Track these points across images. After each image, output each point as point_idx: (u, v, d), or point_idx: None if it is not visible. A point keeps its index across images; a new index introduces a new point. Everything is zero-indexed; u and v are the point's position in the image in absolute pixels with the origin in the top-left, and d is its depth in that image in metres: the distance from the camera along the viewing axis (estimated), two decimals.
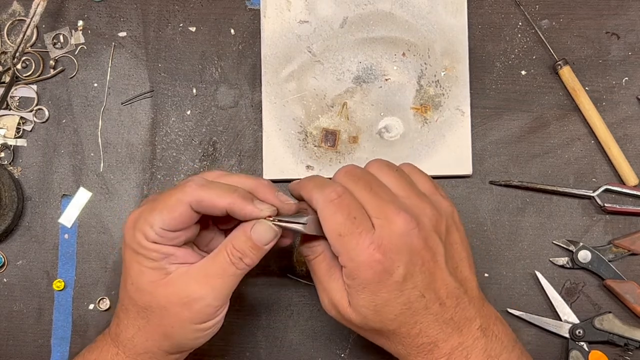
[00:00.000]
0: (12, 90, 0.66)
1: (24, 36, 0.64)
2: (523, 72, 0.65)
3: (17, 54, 0.65)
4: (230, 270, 0.50)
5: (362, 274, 0.47)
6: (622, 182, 0.63)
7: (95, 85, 0.67)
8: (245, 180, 0.51)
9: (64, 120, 0.66)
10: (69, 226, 0.65)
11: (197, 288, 0.49)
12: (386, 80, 0.64)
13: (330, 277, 0.51)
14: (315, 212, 0.49)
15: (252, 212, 0.49)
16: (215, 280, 0.50)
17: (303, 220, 0.50)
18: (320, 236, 0.50)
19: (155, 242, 0.49)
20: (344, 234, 0.47)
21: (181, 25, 0.67)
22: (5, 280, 0.65)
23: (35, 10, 0.64)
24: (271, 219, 0.49)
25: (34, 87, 0.67)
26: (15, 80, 0.66)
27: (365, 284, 0.47)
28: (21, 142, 0.66)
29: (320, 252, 0.52)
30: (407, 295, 0.48)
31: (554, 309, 0.62)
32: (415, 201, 0.49)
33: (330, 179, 0.52)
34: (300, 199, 0.52)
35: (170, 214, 0.48)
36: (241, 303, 0.64)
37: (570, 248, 0.63)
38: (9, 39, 0.67)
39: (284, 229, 0.50)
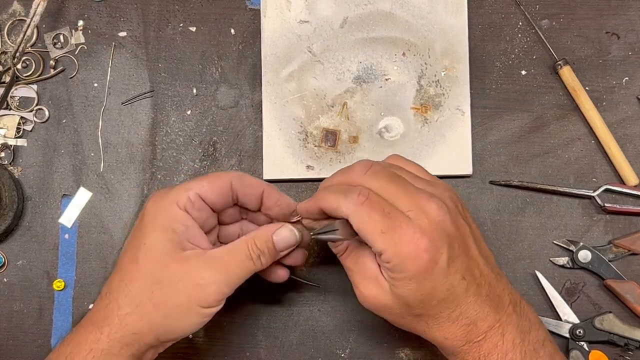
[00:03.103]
0: (12, 90, 0.66)
1: (24, 36, 0.64)
2: (523, 72, 0.65)
3: (17, 54, 0.65)
4: (247, 264, 0.51)
5: (409, 266, 0.47)
6: (622, 182, 0.63)
7: (96, 85, 0.67)
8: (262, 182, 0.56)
9: (64, 120, 0.66)
10: (69, 226, 0.65)
11: (213, 273, 0.50)
12: (386, 80, 0.64)
13: (363, 270, 0.51)
14: (339, 218, 0.50)
15: (285, 200, 0.54)
16: (233, 270, 0.51)
17: (335, 227, 0.50)
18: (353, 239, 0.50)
19: (185, 210, 0.51)
20: (385, 230, 0.47)
21: (181, 25, 0.67)
22: (5, 280, 0.65)
23: (36, 10, 0.64)
24: (311, 233, 0.52)
25: (34, 87, 0.67)
26: (15, 80, 0.66)
27: (413, 276, 0.47)
28: (21, 142, 0.66)
29: (345, 249, 0.52)
30: (451, 280, 0.48)
31: (554, 308, 0.62)
32: (432, 189, 0.50)
33: (335, 175, 0.52)
34: (319, 216, 0.52)
35: (211, 183, 0.52)
36: (241, 303, 0.64)
37: (570, 248, 0.63)
38: (9, 39, 0.67)
39: (322, 241, 0.52)
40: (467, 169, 0.63)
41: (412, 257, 0.47)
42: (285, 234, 0.53)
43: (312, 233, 0.51)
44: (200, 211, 0.52)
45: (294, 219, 0.54)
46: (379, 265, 0.50)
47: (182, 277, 0.50)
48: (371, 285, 0.50)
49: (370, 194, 0.48)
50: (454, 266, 0.48)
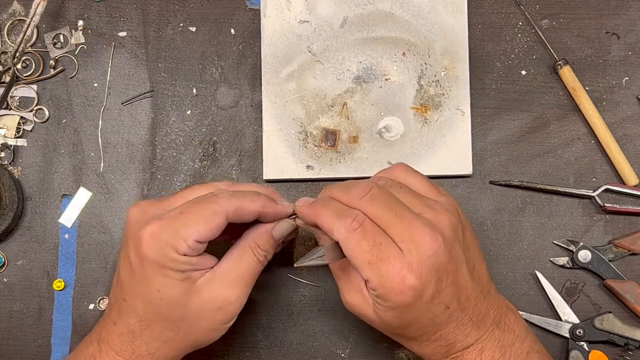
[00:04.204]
0: (12, 90, 0.66)
1: (24, 36, 0.64)
2: (523, 72, 0.65)
3: (17, 54, 0.65)
4: (257, 268, 0.53)
5: (393, 298, 0.47)
6: (622, 182, 0.63)
7: (95, 85, 0.67)
8: (257, 187, 0.54)
9: (64, 120, 0.66)
10: (69, 226, 0.65)
11: (232, 291, 0.51)
12: (386, 80, 0.64)
13: (349, 280, 0.51)
14: (331, 239, 0.49)
15: (282, 210, 0.53)
16: (247, 280, 0.52)
17: (320, 252, 0.50)
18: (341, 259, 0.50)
19: (186, 255, 0.49)
20: (373, 261, 0.47)
21: (181, 25, 0.67)
22: (5, 280, 0.65)
23: (35, 10, 0.64)
24: (299, 265, 0.50)
25: (34, 87, 0.67)
26: (15, 80, 0.66)
27: (395, 306, 0.47)
28: (21, 142, 0.66)
29: (336, 265, 0.52)
30: (434, 310, 0.48)
31: (554, 308, 0.62)
32: (432, 213, 0.49)
33: (337, 185, 0.51)
34: (313, 225, 0.51)
35: (208, 225, 0.49)
36: None
37: (570, 248, 0.63)
38: (9, 39, 0.67)
39: (307, 267, 0.51)
40: (467, 169, 0.63)
41: (397, 291, 0.46)
42: (284, 228, 0.54)
43: (295, 264, 0.51)
44: (201, 249, 0.50)
45: (291, 217, 0.54)
46: (365, 281, 0.49)
47: (203, 307, 0.51)
48: (356, 295, 0.51)
49: (364, 222, 0.48)
50: (439, 298, 0.48)
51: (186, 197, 0.52)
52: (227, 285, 0.51)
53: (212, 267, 0.51)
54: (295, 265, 0.51)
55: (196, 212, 0.49)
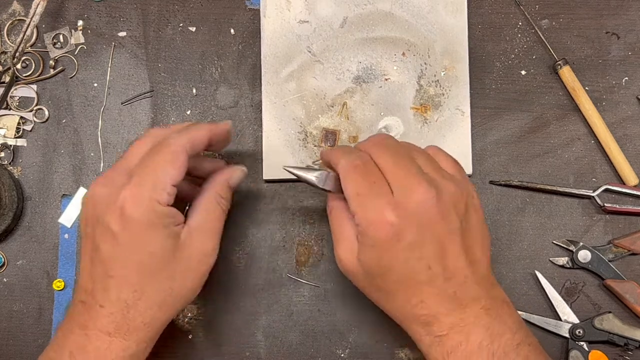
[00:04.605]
0: (12, 90, 0.66)
1: (24, 36, 0.64)
2: (523, 72, 0.65)
3: (17, 54, 0.65)
4: (223, 217, 0.55)
5: (373, 233, 0.48)
6: (622, 182, 0.63)
7: (95, 85, 0.67)
8: (185, 123, 0.56)
9: (64, 120, 0.66)
10: (69, 226, 0.65)
11: (209, 242, 0.53)
12: (386, 80, 0.64)
13: (342, 231, 0.52)
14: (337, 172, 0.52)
15: (224, 127, 0.55)
16: (219, 230, 0.54)
17: (316, 174, 0.53)
18: (335, 192, 0.53)
19: (168, 205, 0.50)
20: (361, 193, 0.49)
21: (181, 25, 0.67)
22: (5, 280, 0.65)
23: (35, 10, 0.64)
24: (289, 167, 0.54)
25: (34, 87, 0.67)
26: (15, 80, 0.66)
27: (374, 243, 0.48)
28: (21, 142, 0.66)
29: (335, 207, 0.54)
30: (412, 264, 0.48)
31: (554, 308, 0.62)
32: (438, 177, 0.50)
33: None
34: (328, 165, 0.54)
35: (176, 166, 0.50)
36: (241, 303, 0.64)
37: (570, 248, 0.63)
38: (9, 39, 0.67)
39: (300, 179, 0.54)
40: (467, 169, 0.63)
41: (377, 225, 0.48)
42: (238, 176, 0.57)
43: (285, 167, 0.54)
44: (173, 196, 0.51)
45: (317, 162, 0.59)
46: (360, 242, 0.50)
47: (190, 261, 0.51)
48: (346, 247, 0.51)
49: (367, 162, 0.50)
50: (420, 251, 0.48)
51: (136, 153, 0.52)
52: (204, 237, 0.52)
53: (185, 222, 0.52)
54: (284, 167, 0.54)
55: (160, 159, 0.50)
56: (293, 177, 0.63)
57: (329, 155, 0.54)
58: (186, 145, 0.51)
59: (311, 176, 0.54)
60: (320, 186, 0.53)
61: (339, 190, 0.52)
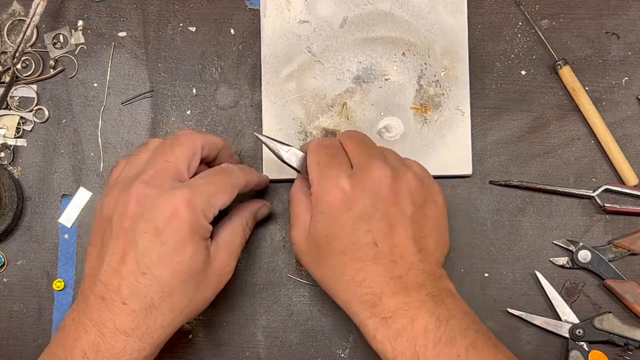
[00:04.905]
0: (12, 90, 0.66)
1: (24, 36, 0.64)
2: (523, 72, 0.65)
3: (17, 54, 0.65)
4: (243, 241, 0.58)
5: (324, 198, 0.51)
6: (622, 182, 0.63)
7: (95, 85, 0.67)
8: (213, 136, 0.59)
9: (64, 120, 0.66)
10: (69, 226, 0.65)
11: (230, 261, 0.55)
12: (386, 80, 0.64)
13: (299, 212, 0.55)
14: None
15: (265, 179, 0.62)
16: (239, 252, 0.56)
17: (286, 149, 0.56)
18: (303, 174, 0.56)
19: (209, 223, 0.52)
20: (322, 163, 0.52)
21: (181, 25, 0.67)
22: (5, 280, 0.65)
23: (35, 10, 0.64)
24: (259, 135, 0.57)
25: (34, 87, 0.67)
26: (15, 80, 0.66)
27: (325, 209, 0.50)
28: (21, 142, 0.66)
29: (296, 192, 0.57)
30: (359, 236, 0.49)
31: (554, 309, 0.62)
32: (399, 166, 0.53)
33: None
34: (304, 152, 0.57)
35: (230, 196, 0.54)
36: (241, 303, 0.64)
37: (570, 248, 0.63)
38: (9, 39, 0.67)
39: (267, 147, 0.57)
40: (467, 169, 0.63)
41: (330, 191, 0.50)
42: (265, 212, 0.63)
43: (257, 134, 0.58)
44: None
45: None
46: (313, 211, 0.53)
47: (213, 274, 0.53)
48: (300, 228, 0.54)
49: (334, 142, 0.55)
50: (368, 224, 0.49)
51: (181, 160, 0.53)
52: (228, 256, 0.55)
53: (211, 237, 0.54)
54: (255, 133, 0.59)
55: (222, 183, 0.53)
56: (293, 177, 0.63)
57: (306, 145, 0.57)
58: (242, 184, 0.55)
59: (280, 149, 0.57)
60: (286, 161, 0.56)
61: (304, 168, 0.55)
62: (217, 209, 0.52)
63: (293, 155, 0.56)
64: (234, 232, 0.56)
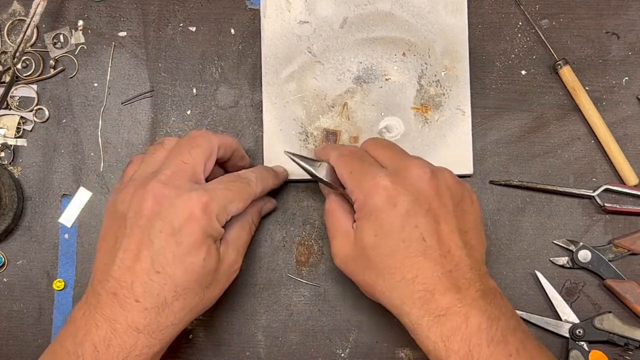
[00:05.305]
0: (12, 90, 0.66)
1: (24, 36, 0.64)
2: (523, 72, 0.65)
3: (17, 54, 0.65)
4: (250, 239, 0.59)
5: (370, 200, 0.50)
6: (622, 182, 0.63)
7: (95, 85, 0.67)
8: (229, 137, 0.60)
9: (64, 120, 0.66)
10: (69, 226, 0.65)
11: (238, 258, 0.56)
12: (386, 80, 0.64)
13: (338, 226, 0.55)
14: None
15: (284, 178, 0.63)
16: (245, 249, 0.58)
17: (317, 164, 0.56)
18: (336, 186, 0.55)
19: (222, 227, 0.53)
20: (354, 170, 0.53)
21: (181, 25, 0.67)
22: (5, 280, 0.65)
23: (35, 10, 0.64)
24: (290, 153, 0.57)
25: (34, 86, 0.67)
26: (15, 80, 0.66)
27: (372, 211, 0.50)
28: (21, 142, 0.66)
29: (331, 206, 0.56)
30: (408, 232, 0.49)
31: (554, 308, 0.62)
32: (435, 166, 0.53)
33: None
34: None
35: (244, 204, 0.54)
36: (241, 303, 0.64)
37: (570, 248, 0.63)
38: (9, 39, 0.67)
39: (299, 166, 0.56)
40: (468, 169, 0.63)
41: (373, 191, 0.50)
42: (270, 208, 0.63)
43: (286, 151, 0.57)
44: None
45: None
46: (353, 222, 0.53)
47: (223, 273, 0.54)
48: (342, 239, 0.54)
49: (357, 150, 0.56)
50: (415, 220, 0.49)
51: (198, 161, 0.54)
52: (236, 253, 0.55)
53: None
54: (285, 151, 0.57)
55: (238, 190, 0.54)
56: (293, 177, 0.63)
57: (321, 152, 0.58)
58: (257, 194, 0.56)
59: (310, 165, 0.56)
60: (318, 175, 0.56)
61: (336, 181, 0.55)
62: (230, 215, 0.53)
63: (323, 169, 0.56)
64: (241, 230, 0.57)
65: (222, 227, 0.53)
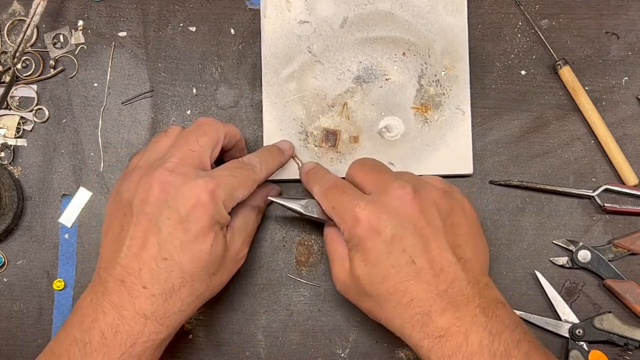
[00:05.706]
0: (12, 90, 0.66)
1: (24, 36, 0.64)
2: (523, 72, 0.65)
3: (17, 54, 0.65)
4: (257, 225, 0.60)
5: (355, 231, 0.50)
6: (622, 182, 0.63)
7: (95, 85, 0.67)
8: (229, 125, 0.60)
9: (64, 120, 0.66)
10: (69, 226, 0.65)
11: (244, 246, 0.57)
12: (386, 80, 0.64)
13: (335, 251, 0.55)
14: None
15: (289, 156, 0.63)
16: (252, 236, 0.59)
17: (303, 202, 0.57)
18: (326, 220, 0.56)
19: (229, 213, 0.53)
20: (336, 205, 0.53)
21: (181, 25, 0.67)
22: (5, 280, 0.65)
23: (35, 10, 0.64)
24: (274, 198, 0.58)
25: (34, 87, 0.67)
26: (15, 80, 0.66)
27: (358, 242, 0.50)
28: (21, 142, 0.66)
29: (329, 232, 0.56)
30: (396, 257, 0.49)
31: (554, 308, 0.62)
32: (420, 182, 0.53)
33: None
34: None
35: (249, 191, 0.55)
36: (241, 303, 0.64)
37: (570, 248, 0.63)
38: (9, 39, 0.67)
39: (286, 208, 0.57)
40: (468, 169, 0.63)
41: (356, 222, 0.50)
42: (275, 194, 0.63)
43: (271, 198, 0.58)
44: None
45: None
46: (349, 250, 0.53)
47: (230, 260, 0.55)
48: (340, 266, 0.54)
49: (336, 180, 0.56)
50: (401, 244, 0.49)
51: (205, 148, 0.54)
52: (242, 241, 0.56)
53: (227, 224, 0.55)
54: (269, 198, 0.58)
55: (244, 177, 0.54)
56: (293, 177, 0.63)
57: (305, 181, 0.59)
58: (262, 180, 0.57)
59: (297, 205, 0.57)
60: (306, 213, 0.57)
61: (324, 215, 0.55)
62: (236, 202, 0.53)
63: (310, 205, 0.57)
64: (247, 218, 0.58)
65: (229, 213, 0.53)
